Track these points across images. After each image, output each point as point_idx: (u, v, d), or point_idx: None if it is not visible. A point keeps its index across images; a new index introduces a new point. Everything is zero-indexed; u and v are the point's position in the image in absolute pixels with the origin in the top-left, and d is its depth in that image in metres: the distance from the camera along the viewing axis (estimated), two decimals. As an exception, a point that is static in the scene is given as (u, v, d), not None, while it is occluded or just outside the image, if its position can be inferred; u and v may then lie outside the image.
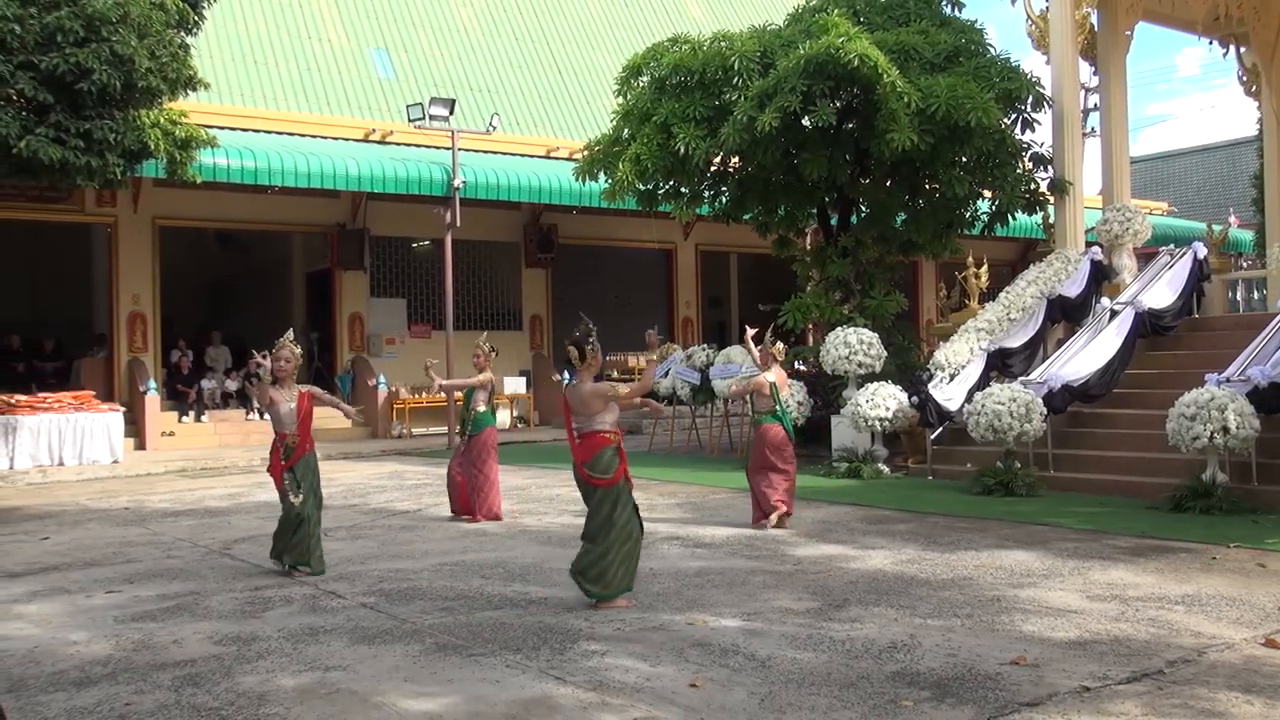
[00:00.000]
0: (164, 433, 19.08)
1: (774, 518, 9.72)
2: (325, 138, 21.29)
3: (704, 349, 17.76)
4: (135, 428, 18.71)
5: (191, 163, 14.92)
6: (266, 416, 9.49)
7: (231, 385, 20.77)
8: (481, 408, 10.82)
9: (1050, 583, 7.36)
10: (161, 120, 13.73)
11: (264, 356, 8.40)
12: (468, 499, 10.70)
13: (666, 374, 17.55)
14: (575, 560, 7.05)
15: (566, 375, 6.77)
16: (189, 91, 13.64)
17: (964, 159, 15.43)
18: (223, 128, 18.43)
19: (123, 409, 18.04)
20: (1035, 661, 5.53)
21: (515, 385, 22.41)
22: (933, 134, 14.09)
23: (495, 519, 10.59)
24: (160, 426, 19.05)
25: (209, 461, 16.91)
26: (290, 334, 8.52)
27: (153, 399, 18.93)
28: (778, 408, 9.99)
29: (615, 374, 23.32)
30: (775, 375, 10.05)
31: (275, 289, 24.96)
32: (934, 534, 9.40)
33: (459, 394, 11.10)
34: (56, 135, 11.84)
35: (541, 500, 12.09)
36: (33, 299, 23.44)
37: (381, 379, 20.80)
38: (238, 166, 18.20)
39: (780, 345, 10.48)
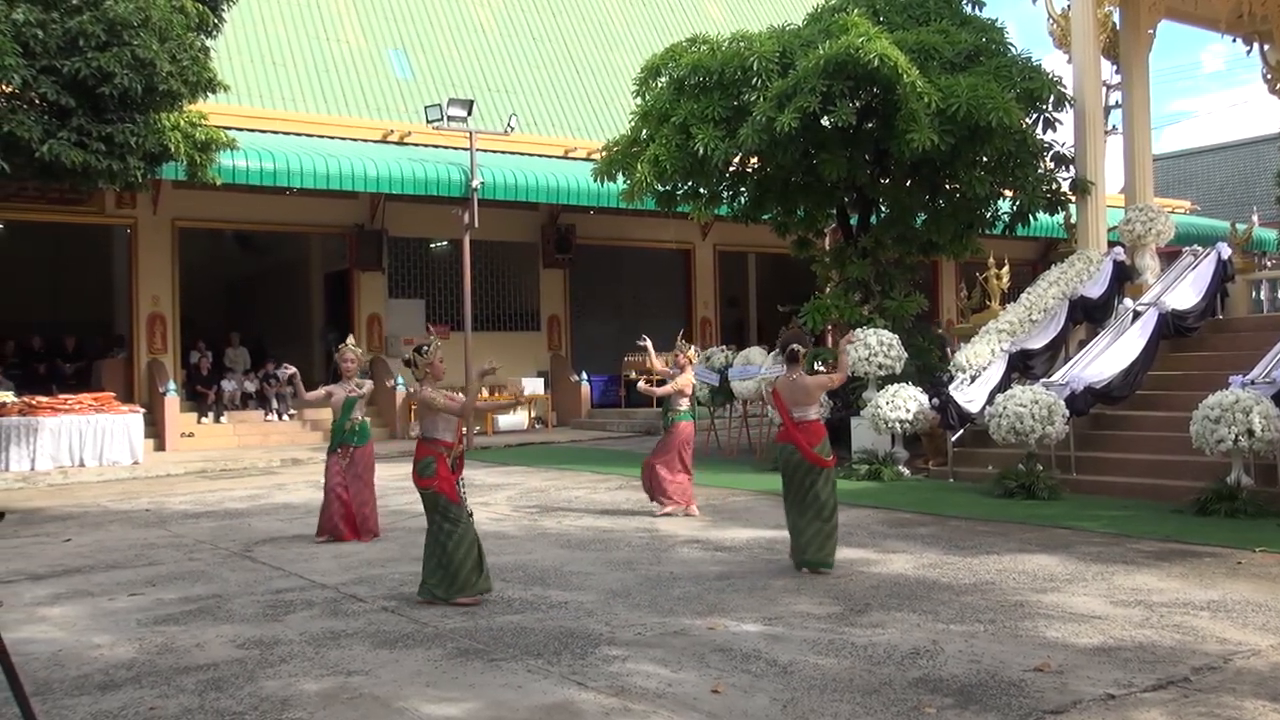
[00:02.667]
0: (183, 434, 19.20)
1: (673, 509, 10.77)
2: (343, 139, 21.38)
3: (723, 350, 17.76)
4: (155, 429, 18.83)
5: (211, 165, 15.00)
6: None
7: (250, 386, 20.89)
8: (361, 416, 10.11)
9: (1073, 587, 7.33)
10: (181, 123, 13.82)
11: (423, 346, 7.56)
12: (354, 518, 9.89)
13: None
14: (807, 546, 7.90)
15: (782, 368, 7.71)
16: (209, 94, 13.73)
17: (985, 159, 15.37)
18: (242, 129, 18.52)
19: (142, 410, 18.15)
20: (1059, 668, 5.51)
21: (533, 386, 22.45)
22: (953, 134, 14.04)
23: (376, 536, 9.93)
24: (180, 428, 19.17)
25: (229, 463, 17.01)
26: (436, 339, 7.69)
27: (172, 400, 19.06)
28: (692, 407, 11.09)
29: (633, 374, 23.36)
30: (691, 377, 11.12)
31: (293, 290, 25.10)
32: (955, 537, 9.38)
33: (332, 401, 10.07)
34: (78, 139, 11.95)
35: (560, 503, 12.11)
36: (53, 301, 23.62)
37: (399, 380, 20.87)
38: (256, 168, 18.30)
39: (692, 350, 11.44)
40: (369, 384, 10.33)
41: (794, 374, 8.24)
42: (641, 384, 11.71)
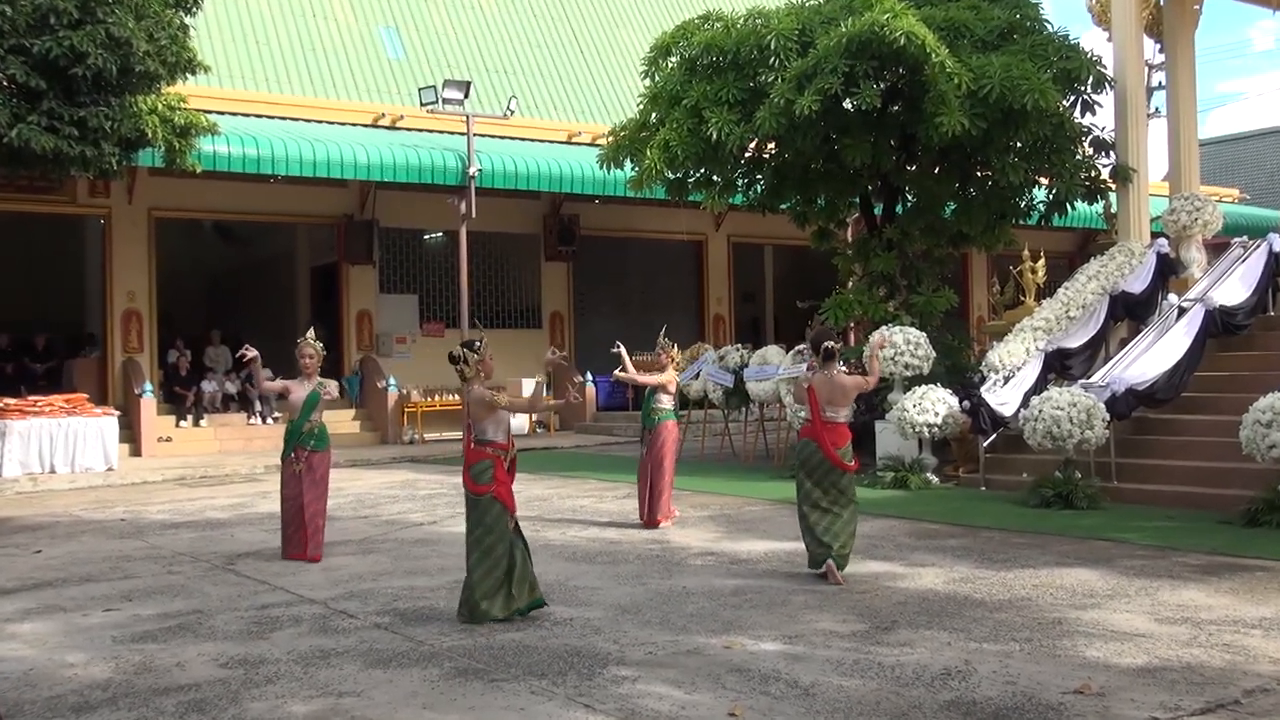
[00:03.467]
0: (161, 438, 19.25)
1: (670, 521, 11.01)
2: (332, 123, 21.44)
3: (738, 349, 17.75)
4: (131, 433, 18.88)
5: (191, 151, 15.08)
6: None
7: (232, 387, 20.92)
8: (320, 418, 9.71)
9: (1115, 604, 7.32)
10: (159, 106, 13.88)
11: (480, 351, 7.42)
12: (308, 530, 9.48)
13: (697, 376, 17.55)
14: (844, 543, 8.21)
15: (801, 369, 7.99)
16: (188, 75, 13.80)
17: (1019, 144, 15.37)
18: (223, 113, 18.58)
19: (117, 413, 18.20)
20: (1101, 690, 5.50)
21: (534, 388, 22.44)
22: (985, 117, 14.03)
23: (319, 558, 9.44)
24: (157, 431, 19.22)
25: (209, 469, 17.06)
26: (481, 340, 7.55)
27: (149, 402, 19.10)
28: (676, 405, 11.41)
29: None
30: (673, 374, 11.40)
31: (278, 284, 25.17)
32: (988, 550, 9.37)
33: (290, 400, 9.74)
34: (49, 123, 12.01)
35: (565, 512, 12.12)
36: (21, 296, 23.65)
37: (391, 380, 20.92)
38: (239, 154, 18.34)
39: (676, 349, 11.79)
40: (333, 385, 10.00)
41: (830, 372, 8.45)
42: (618, 371, 11.72)
